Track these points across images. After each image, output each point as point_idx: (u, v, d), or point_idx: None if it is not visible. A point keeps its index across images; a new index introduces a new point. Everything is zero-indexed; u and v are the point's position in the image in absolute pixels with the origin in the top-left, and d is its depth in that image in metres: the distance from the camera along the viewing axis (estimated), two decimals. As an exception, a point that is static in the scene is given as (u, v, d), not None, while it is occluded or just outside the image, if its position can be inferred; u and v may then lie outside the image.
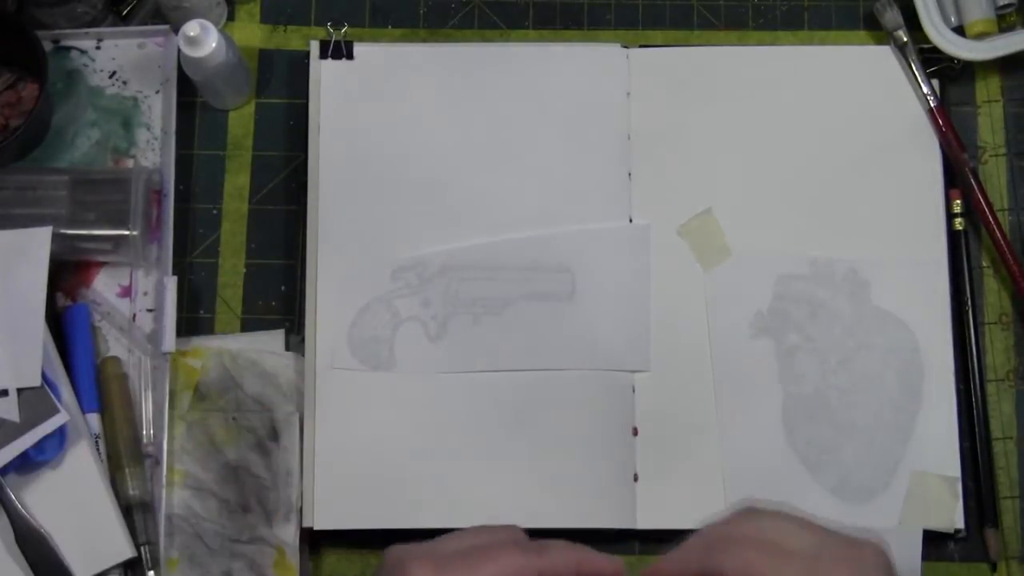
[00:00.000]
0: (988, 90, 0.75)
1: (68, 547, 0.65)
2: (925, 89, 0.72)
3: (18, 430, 0.64)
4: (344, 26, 0.75)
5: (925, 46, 0.73)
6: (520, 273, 0.70)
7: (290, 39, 0.76)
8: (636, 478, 0.68)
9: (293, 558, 0.67)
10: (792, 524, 0.50)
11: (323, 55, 0.73)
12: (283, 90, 0.75)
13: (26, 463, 0.65)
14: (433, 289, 0.70)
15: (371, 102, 0.73)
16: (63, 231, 0.68)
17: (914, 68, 0.72)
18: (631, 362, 0.69)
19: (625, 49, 0.74)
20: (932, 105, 0.72)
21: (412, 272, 0.70)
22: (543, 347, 0.69)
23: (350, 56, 0.74)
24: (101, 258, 0.71)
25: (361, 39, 0.75)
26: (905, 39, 0.72)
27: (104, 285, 0.71)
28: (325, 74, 0.73)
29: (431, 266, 0.70)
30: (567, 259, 0.70)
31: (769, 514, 0.51)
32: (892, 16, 0.73)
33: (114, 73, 0.74)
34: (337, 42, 0.74)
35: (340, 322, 0.69)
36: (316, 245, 0.71)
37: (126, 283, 0.71)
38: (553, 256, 0.70)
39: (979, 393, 0.70)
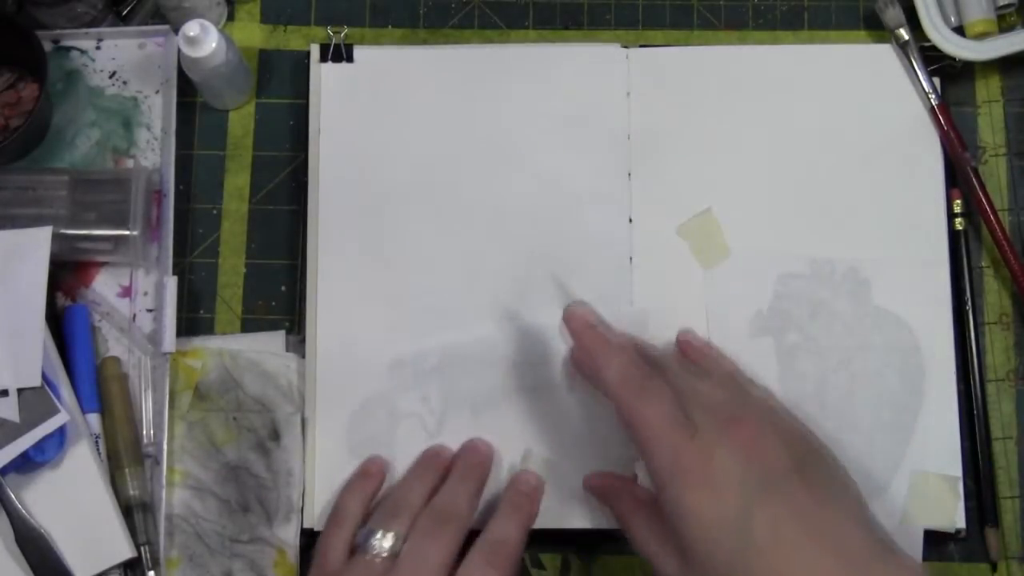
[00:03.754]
0: (988, 90, 0.75)
1: (68, 547, 0.65)
2: (927, 87, 0.72)
3: (18, 430, 0.64)
4: (344, 29, 0.75)
5: (924, 44, 0.73)
6: (518, 366, 0.69)
7: (290, 39, 0.76)
8: (635, 479, 0.68)
9: (294, 558, 0.67)
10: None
11: (323, 58, 0.73)
12: (283, 90, 0.75)
13: (26, 463, 0.65)
14: (431, 384, 0.69)
15: (371, 105, 0.73)
16: (63, 231, 0.68)
17: (916, 66, 0.72)
18: (623, 458, 0.69)
19: (625, 49, 0.74)
20: (934, 103, 0.72)
21: (409, 368, 0.69)
22: (543, 436, 0.69)
23: (350, 59, 0.74)
24: (101, 258, 0.71)
25: (361, 39, 0.75)
26: (907, 37, 0.72)
27: (104, 285, 0.71)
28: (325, 78, 0.73)
29: (428, 360, 0.69)
30: (565, 349, 0.69)
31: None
32: (894, 14, 0.73)
33: (114, 73, 0.74)
34: (337, 45, 0.74)
35: (338, 420, 0.69)
36: (316, 245, 0.71)
37: (126, 283, 0.71)
38: (552, 346, 0.69)
39: (979, 393, 0.70)
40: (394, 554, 0.61)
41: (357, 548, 0.62)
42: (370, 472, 0.67)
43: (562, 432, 0.69)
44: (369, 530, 0.62)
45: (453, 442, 0.69)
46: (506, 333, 0.70)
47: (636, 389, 0.59)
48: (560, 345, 0.69)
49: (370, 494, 0.67)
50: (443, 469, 0.66)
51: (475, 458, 0.67)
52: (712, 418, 0.58)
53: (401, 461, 0.68)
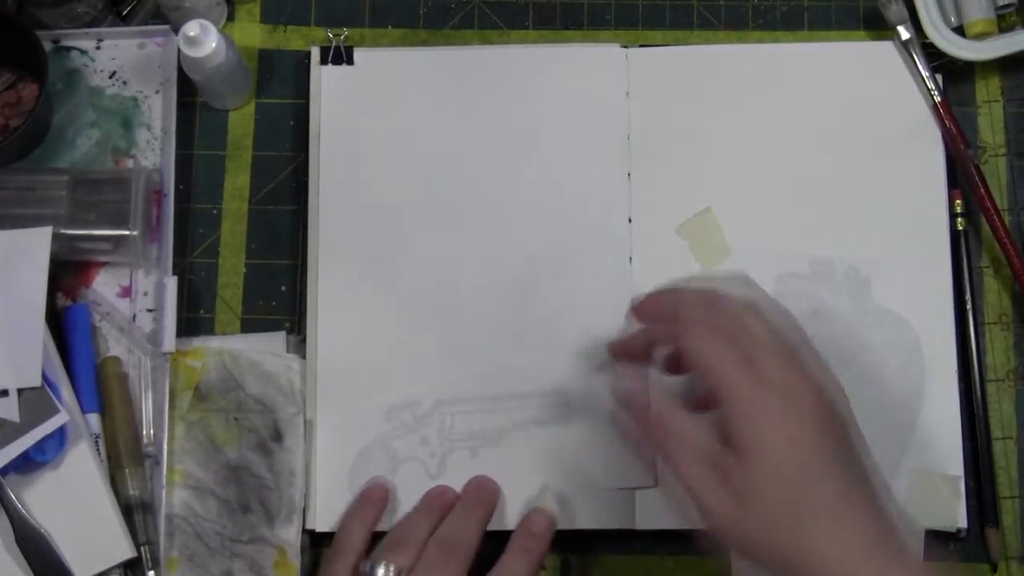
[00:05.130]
0: (988, 90, 0.75)
1: (68, 547, 0.65)
2: (930, 84, 0.72)
3: (18, 430, 0.64)
4: (344, 31, 0.75)
5: (924, 41, 0.73)
6: (514, 401, 0.69)
7: (290, 39, 0.76)
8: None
9: (295, 558, 0.67)
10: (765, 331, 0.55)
11: (324, 61, 0.74)
12: (283, 90, 0.75)
13: (26, 463, 0.65)
14: (429, 426, 0.69)
15: (371, 106, 0.73)
16: (63, 231, 0.68)
17: (918, 63, 0.72)
18: (633, 479, 0.68)
19: (624, 49, 0.74)
20: (937, 100, 0.72)
21: (407, 411, 0.69)
22: (542, 475, 0.69)
23: (350, 62, 0.74)
24: (101, 258, 0.71)
25: (361, 39, 0.75)
26: (909, 34, 0.72)
27: (104, 285, 0.71)
28: (326, 80, 0.73)
29: (424, 403, 0.69)
30: (561, 382, 0.69)
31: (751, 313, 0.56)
32: (897, 10, 0.73)
33: (114, 73, 0.74)
34: (337, 48, 0.74)
35: (339, 468, 0.69)
36: (317, 245, 0.71)
37: (126, 283, 0.71)
38: (547, 380, 0.69)
39: (979, 393, 0.70)
40: None
41: None
42: (372, 498, 0.67)
43: (566, 459, 0.69)
44: (373, 563, 0.61)
45: (452, 482, 0.68)
46: (502, 362, 0.69)
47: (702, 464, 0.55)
48: (556, 363, 0.69)
49: (372, 520, 0.67)
50: (447, 507, 0.66)
51: (481, 492, 0.67)
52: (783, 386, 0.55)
53: (404, 505, 0.68)
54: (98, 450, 0.67)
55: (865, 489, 0.54)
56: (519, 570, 0.63)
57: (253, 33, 0.76)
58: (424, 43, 0.76)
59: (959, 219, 0.72)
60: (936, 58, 0.73)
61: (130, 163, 0.73)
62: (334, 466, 0.69)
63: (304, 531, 0.68)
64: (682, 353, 0.56)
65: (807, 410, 0.53)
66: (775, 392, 0.53)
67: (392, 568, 0.61)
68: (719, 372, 0.54)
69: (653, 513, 0.68)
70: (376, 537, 0.65)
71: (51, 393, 0.65)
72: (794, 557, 0.52)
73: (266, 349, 0.70)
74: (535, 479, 0.68)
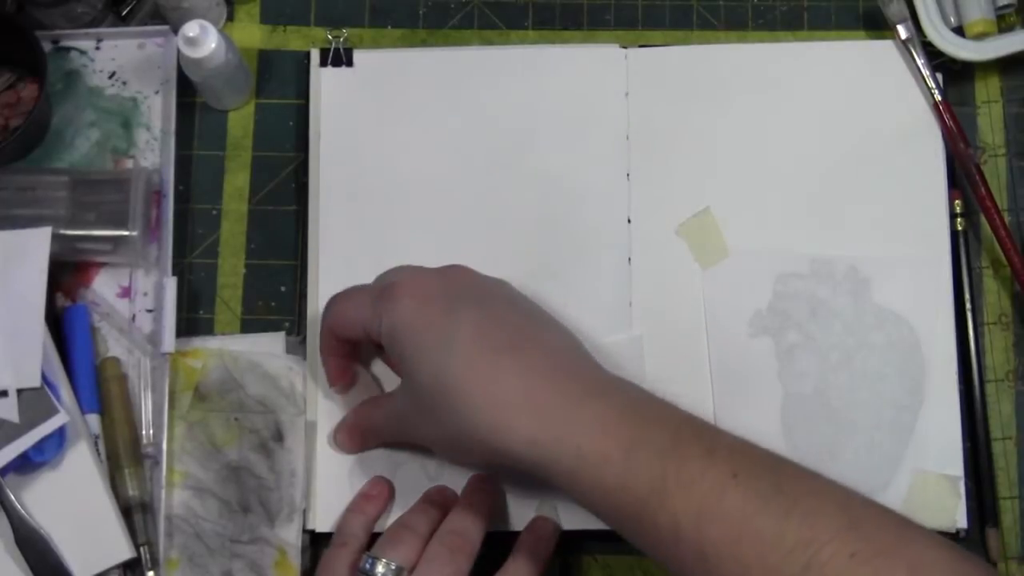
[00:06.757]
0: (988, 90, 0.75)
1: (68, 547, 0.65)
2: (930, 83, 0.72)
3: (18, 431, 0.64)
4: (344, 33, 0.75)
5: (924, 41, 0.73)
6: None
7: (290, 40, 0.76)
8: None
9: (295, 558, 0.67)
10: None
11: (323, 63, 0.74)
12: (283, 90, 0.75)
13: (26, 464, 0.65)
14: None
15: (371, 107, 0.73)
16: (63, 231, 0.68)
17: (918, 62, 0.72)
18: None
19: (623, 49, 0.74)
20: (937, 99, 0.72)
21: None
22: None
23: (350, 63, 0.74)
24: (101, 258, 0.71)
25: (361, 40, 0.75)
26: (909, 33, 0.72)
27: (104, 285, 0.71)
28: (325, 82, 0.73)
29: None
30: None
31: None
32: (897, 8, 0.72)
33: (114, 73, 0.74)
34: (337, 50, 0.74)
35: (340, 469, 0.69)
36: (317, 246, 0.71)
37: (126, 283, 0.71)
38: None
39: (979, 393, 0.70)
40: None
41: (361, 574, 0.62)
42: (372, 495, 0.67)
43: None
44: (373, 557, 0.61)
45: (451, 484, 0.68)
46: None
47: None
48: None
49: (373, 517, 0.67)
50: (447, 506, 0.66)
51: (483, 489, 0.67)
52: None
53: (403, 506, 0.67)
54: (98, 451, 0.67)
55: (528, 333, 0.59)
56: (526, 573, 0.63)
57: (253, 33, 0.76)
58: (424, 43, 0.76)
59: (959, 219, 0.72)
60: (936, 58, 0.73)
61: (130, 163, 0.73)
62: (334, 467, 0.69)
63: (304, 531, 0.68)
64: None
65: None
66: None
67: (393, 563, 0.61)
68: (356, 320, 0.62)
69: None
70: (376, 537, 0.65)
71: (51, 393, 0.65)
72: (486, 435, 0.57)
73: (266, 350, 0.70)
74: (534, 479, 0.68)
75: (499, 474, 0.68)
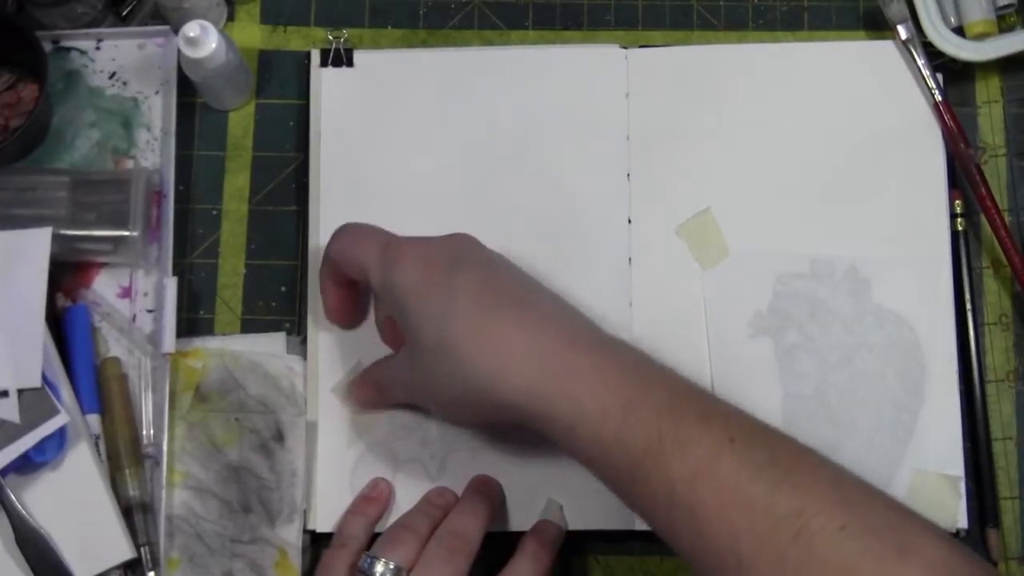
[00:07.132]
0: (988, 91, 0.75)
1: (68, 548, 0.65)
2: (930, 83, 0.72)
3: (18, 431, 0.64)
4: (344, 33, 0.75)
5: (924, 41, 0.73)
6: None
7: (290, 40, 0.76)
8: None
9: (295, 559, 0.67)
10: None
11: (324, 63, 0.74)
12: (283, 91, 0.75)
13: (26, 464, 0.65)
14: (429, 428, 0.69)
15: (372, 108, 0.73)
16: (63, 232, 0.68)
17: (919, 62, 0.72)
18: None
19: (624, 49, 0.74)
20: (938, 99, 0.72)
21: (407, 412, 0.69)
22: (543, 475, 0.69)
23: (350, 64, 0.74)
24: (101, 259, 0.71)
25: (361, 40, 0.75)
26: (909, 33, 0.72)
27: (104, 286, 0.71)
28: (326, 82, 0.73)
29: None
30: None
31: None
32: (898, 8, 0.72)
33: (114, 74, 0.74)
34: (337, 50, 0.74)
35: (340, 469, 0.69)
36: (317, 246, 0.71)
37: (126, 284, 0.71)
38: None
39: (979, 393, 0.70)
40: None
41: (360, 574, 0.62)
42: (372, 496, 0.68)
43: (566, 460, 0.68)
44: (372, 557, 0.61)
45: (451, 483, 0.68)
46: None
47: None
48: None
49: (374, 518, 0.67)
50: (447, 507, 0.66)
51: (484, 489, 0.67)
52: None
53: (404, 507, 0.68)
54: (98, 451, 0.67)
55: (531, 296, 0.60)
56: (528, 574, 0.63)
57: (253, 34, 0.76)
58: (424, 43, 0.76)
59: (959, 219, 0.72)
60: (936, 58, 0.73)
61: (130, 164, 0.73)
62: (335, 467, 0.69)
63: (305, 532, 0.68)
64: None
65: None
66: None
67: (392, 563, 0.61)
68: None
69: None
70: (377, 537, 0.65)
71: (51, 394, 0.65)
72: (487, 386, 0.57)
73: (266, 350, 0.70)
74: (535, 480, 0.68)
75: (499, 479, 0.68)
